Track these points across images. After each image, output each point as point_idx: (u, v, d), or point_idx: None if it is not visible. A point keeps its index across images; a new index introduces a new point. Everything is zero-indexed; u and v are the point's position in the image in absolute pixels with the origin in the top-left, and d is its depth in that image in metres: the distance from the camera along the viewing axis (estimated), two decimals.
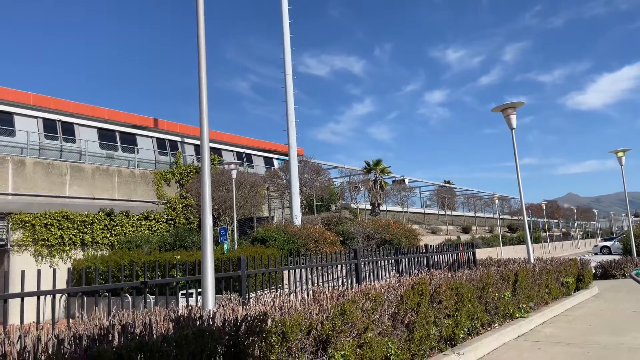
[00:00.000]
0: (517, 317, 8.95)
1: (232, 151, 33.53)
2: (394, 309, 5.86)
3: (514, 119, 13.22)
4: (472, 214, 55.93)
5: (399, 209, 43.13)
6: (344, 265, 9.28)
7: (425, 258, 11.62)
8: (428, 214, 51.46)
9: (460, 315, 7.08)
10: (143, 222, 23.74)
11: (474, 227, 50.67)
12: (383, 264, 10.38)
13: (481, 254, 19.53)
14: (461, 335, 7.06)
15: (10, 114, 22.20)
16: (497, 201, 46.55)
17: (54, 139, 23.38)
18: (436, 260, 12.03)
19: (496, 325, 8.32)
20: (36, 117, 23.08)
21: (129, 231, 22.79)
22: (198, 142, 30.80)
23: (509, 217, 61.52)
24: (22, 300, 4.50)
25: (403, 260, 10.82)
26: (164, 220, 24.79)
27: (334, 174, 42.35)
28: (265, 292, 8.02)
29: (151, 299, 12.87)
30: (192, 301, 10.07)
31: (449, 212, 49.66)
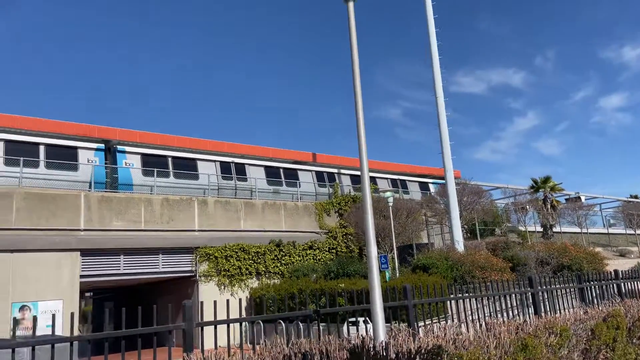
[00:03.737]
0: None
1: (386, 178, 33.80)
2: (584, 344, 5.22)
3: None
4: None
5: (576, 230, 38.68)
6: (516, 294, 8.60)
7: (615, 285, 10.19)
8: (613, 234, 45.21)
9: None
10: (308, 252, 25.04)
11: None
12: (562, 292, 9.36)
13: None
14: None
15: (194, 160, 25.53)
16: None
17: (229, 179, 26.18)
18: (629, 287, 10.46)
19: None
20: (214, 161, 26.17)
21: (296, 260, 24.21)
22: (354, 173, 31.75)
23: None
24: (215, 327, 5.03)
25: (588, 288, 9.63)
26: (327, 249, 25.83)
27: (496, 195, 39.92)
28: (432, 321, 7.78)
29: (321, 326, 13.39)
30: (356, 329, 10.22)
31: (639, 232, 43.03)
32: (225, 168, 26.33)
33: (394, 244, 22.13)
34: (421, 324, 7.51)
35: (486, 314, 8.10)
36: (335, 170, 31.44)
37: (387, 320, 7.28)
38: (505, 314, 8.64)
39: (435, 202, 29.64)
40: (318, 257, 25.24)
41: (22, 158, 19.62)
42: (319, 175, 30.40)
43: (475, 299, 7.78)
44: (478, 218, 30.78)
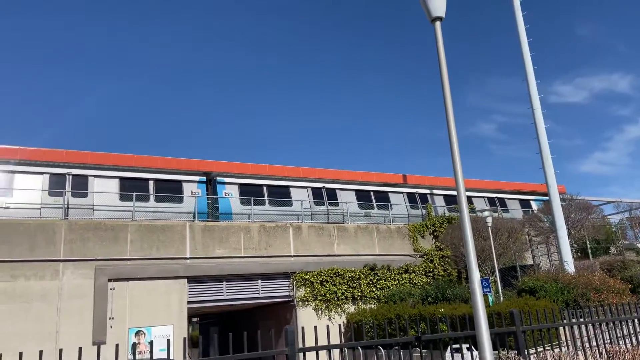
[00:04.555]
0: None
1: (482, 197, 32.39)
2: None
3: None
4: None
5: None
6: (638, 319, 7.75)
7: None
8: None
9: None
10: (403, 276, 24.53)
11: None
12: None
13: None
14: None
15: (288, 187, 26.31)
16: None
17: (321, 205, 26.60)
18: None
19: None
20: (306, 187, 26.77)
21: (391, 284, 23.80)
22: (446, 193, 30.82)
23: None
24: (317, 353, 5.08)
25: None
26: (423, 273, 25.13)
27: (607, 210, 36.72)
28: (542, 348, 7.22)
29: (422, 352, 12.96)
30: (460, 356, 9.73)
31: None
32: (316, 194, 26.81)
33: (496, 266, 21.02)
34: (532, 351, 7.01)
35: (605, 341, 7.38)
36: (427, 191, 30.73)
37: (494, 347, 6.89)
38: (628, 341, 7.81)
39: (538, 220, 27.85)
40: (414, 281, 24.63)
41: (134, 193, 21.46)
42: (411, 197, 29.87)
43: (592, 325, 7.12)
44: (588, 236, 28.36)
